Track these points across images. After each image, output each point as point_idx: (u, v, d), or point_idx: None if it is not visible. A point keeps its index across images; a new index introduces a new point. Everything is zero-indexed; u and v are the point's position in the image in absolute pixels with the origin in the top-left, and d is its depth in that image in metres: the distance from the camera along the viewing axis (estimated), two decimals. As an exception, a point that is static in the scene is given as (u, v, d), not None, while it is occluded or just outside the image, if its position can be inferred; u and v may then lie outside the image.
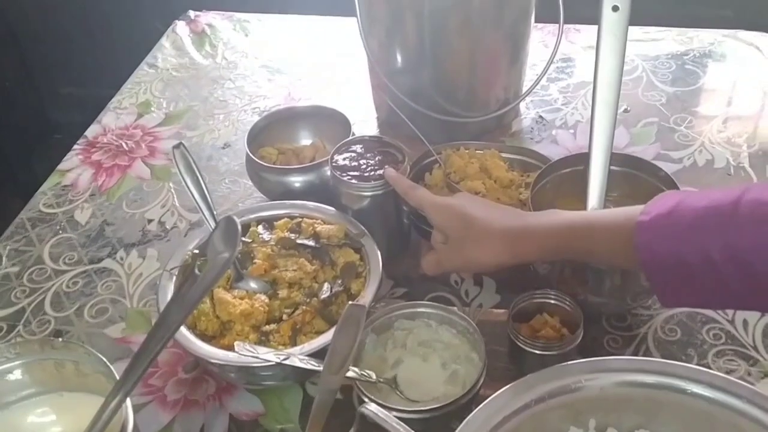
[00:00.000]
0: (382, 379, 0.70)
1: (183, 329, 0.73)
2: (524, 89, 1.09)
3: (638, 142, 1.06)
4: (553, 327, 0.73)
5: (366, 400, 0.67)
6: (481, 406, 0.62)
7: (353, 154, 0.87)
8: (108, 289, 0.90)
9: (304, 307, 0.76)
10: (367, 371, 0.69)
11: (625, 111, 1.11)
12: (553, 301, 0.75)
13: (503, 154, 0.95)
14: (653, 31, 1.28)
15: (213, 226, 0.81)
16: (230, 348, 0.71)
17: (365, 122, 1.12)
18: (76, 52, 2.03)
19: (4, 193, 1.88)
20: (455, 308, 0.79)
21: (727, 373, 0.71)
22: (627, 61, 0.83)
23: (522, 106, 1.14)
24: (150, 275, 0.91)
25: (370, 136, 0.90)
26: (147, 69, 1.30)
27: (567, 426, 0.63)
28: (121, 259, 0.94)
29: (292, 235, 0.82)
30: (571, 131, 1.09)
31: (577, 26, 1.28)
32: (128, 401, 0.58)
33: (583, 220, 0.67)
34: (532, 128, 1.10)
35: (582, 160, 0.80)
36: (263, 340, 0.74)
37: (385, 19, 1.00)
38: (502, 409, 0.61)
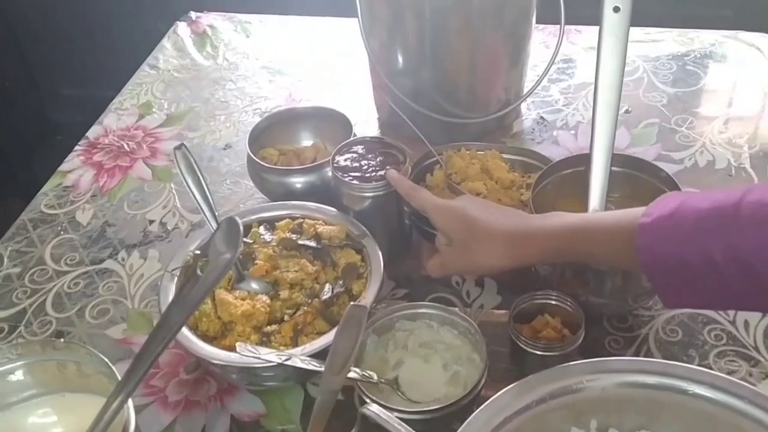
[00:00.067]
0: (383, 380, 0.70)
1: (184, 330, 0.73)
2: (525, 90, 1.09)
3: (639, 143, 1.06)
4: (555, 328, 0.73)
5: (367, 400, 0.67)
6: (482, 407, 0.62)
7: (354, 155, 0.87)
8: (109, 290, 0.90)
9: (305, 308, 0.76)
10: (369, 372, 0.69)
11: (626, 112, 1.11)
12: (554, 302, 0.75)
13: (504, 155, 0.95)
14: (654, 32, 1.28)
15: (214, 227, 0.81)
16: (232, 349, 0.71)
17: (366, 123, 1.13)
18: (77, 52, 2.03)
19: (4, 194, 1.88)
20: (456, 309, 0.79)
21: (729, 373, 0.71)
22: (628, 62, 0.83)
23: (523, 106, 1.14)
24: (151, 276, 0.91)
25: (371, 137, 0.90)
26: (148, 70, 1.30)
27: (568, 427, 0.63)
28: (123, 260, 0.94)
29: (294, 236, 0.82)
30: (572, 132, 1.09)
31: (578, 27, 1.28)
32: (130, 402, 0.58)
33: (584, 223, 0.67)
34: (533, 129, 1.10)
35: (583, 161, 0.80)
36: (265, 340, 0.74)
37: (386, 20, 1.00)
38: (503, 410, 0.61)
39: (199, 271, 0.56)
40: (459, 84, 1.03)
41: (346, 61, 1.26)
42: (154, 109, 1.21)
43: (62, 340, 0.74)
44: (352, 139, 0.90)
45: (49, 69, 2.10)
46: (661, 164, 0.85)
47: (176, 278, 0.79)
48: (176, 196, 1.03)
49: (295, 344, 0.74)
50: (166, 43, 1.36)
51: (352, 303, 0.71)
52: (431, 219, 0.76)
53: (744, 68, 1.19)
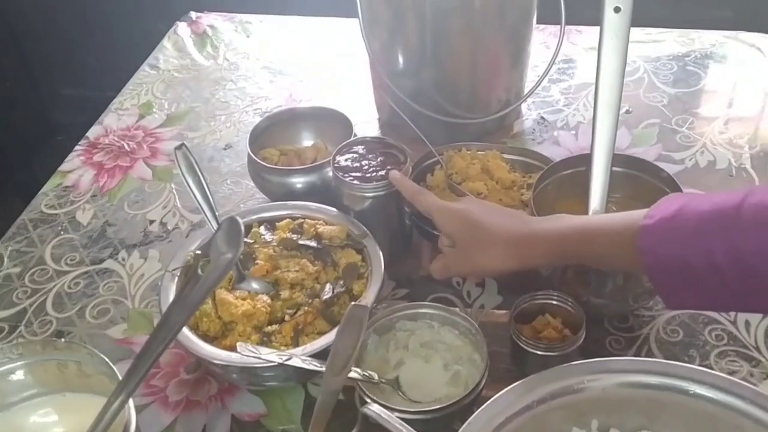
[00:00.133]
0: (384, 380, 0.70)
1: (185, 330, 0.73)
2: (526, 90, 1.09)
3: (640, 143, 1.06)
4: (555, 328, 0.73)
5: (368, 400, 0.67)
6: (483, 407, 0.62)
7: (355, 155, 0.87)
8: (110, 290, 0.90)
9: (306, 308, 0.76)
10: (370, 372, 0.69)
11: (627, 112, 1.11)
12: (555, 302, 0.75)
13: (505, 155, 0.95)
14: (655, 32, 1.28)
15: (215, 227, 0.81)
16: (232, 349, 0.71)
17: (367, 123, 1.13)
18: (78, 53, 2.03)
19: (4, 194, 1.88)
20: (457, 309, 0.79)
21: (730, 374, 0.71)
22: (628, 63, 0.83)
23: (524, 107, 1.14)
24: (151, 276, 0.91)
25: (371, 137, 0.90)
26: (148, 70, 1.30)
27: (569, 427, 0.63)
28: (123, 259, 0.94)
29: (294, 236, 0.82)
30: (573, 132, 1.09)
31: (579, 27, 1.28)
32: (131, 402, 0.58)
33: (587, 225, 0.67)
34: (533, 129, 1.10)
35: (584, 161, 0.80)
36: (265, 340, 0.74)
37: (386, 20, 1.00)
38: (504, 410, 0.61)
39: (200, 271, 0.56)
40: (460, 84, 1.03)
41: (347, 61, 1.26)
42: (154, 109, 1.21)
43: (63, 339, 0.74)
44: (352, 139, 0.90)
45: (49, 69, 2.10)
46: (661, 164, 0.85)
47: (177, 278, 0.79)
48: (176, 196, 1.03)
49: (296, 344, 0.74)
50: (166, 43, 1.36)
51: (352, 303, 0.71)
52: (434, 221, 0.76)
53: (744, 69, 1.19)
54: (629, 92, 1.14)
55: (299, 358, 0.69)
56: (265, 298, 0.77)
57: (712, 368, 0.75)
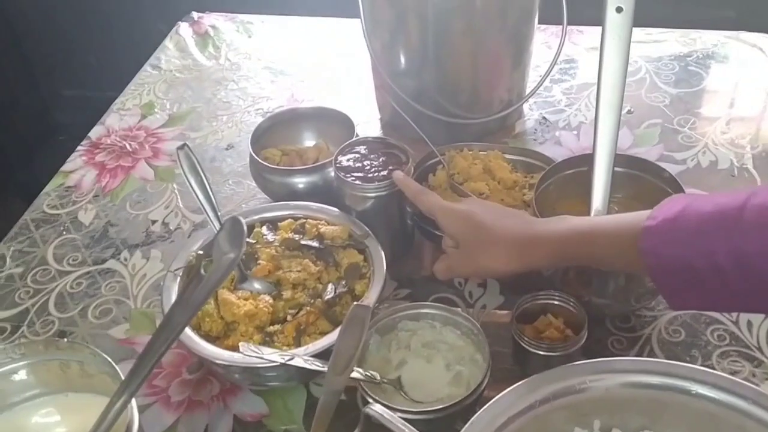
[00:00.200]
0: (386, 380, 0.70)
1: (187, 330, 0.73)
2: (527, 91, 1.09)
3: (642, 144, 1.06)
4: (557, 328, 0.73)
5: (370, 400, 0.67)
6: (485, 407, 0.62)
7: (357, 155, 0.87)
8: (112, 290, 0.90)
9: (308, 308, 0.76)
10: (372, 372, 0.69)
11: (629, 112, 1.11)
12: (557, 303, 0.75)
13: (507, 156, 0.95)
14: (656, 32, 1.28)
15: (217, 227, 0.81)
16: (235, 349, 0.71)
17: (368, 123, 1.13)
18: (79, 53, 2.04)
19: (5, 194, 1.88)
20: (459, 309, 0.79)
21: (732, 374, 0.71)
22: (630, 63, 0.83)
23: (525, 107, 1.14)
24: (154, 276, 0.91)
25: (373, 138, 0.90)
26: (150, 70, 1.30)
27: (571, 427, 0.63)
28: (125, 260, 0.94)
29: (296, 236, 0.82)
30: (575, 132, 1.09)
31: (581, 27, 1.28)
32: (133, 402, 0.58)
33: (590, 227, 0.67)
34: (535, 129, 1.10)
35: (586, 161, 0.80)
36: (267, 340, 0.74)
37: (388, 21, 1.00)
38: (506, 410, 0.61)
39: (202, 271, 0.56)
40: (461, 84, 1.03)
41: (348, 62, 1.26)
42: (156, 110, 1.21)
43: (65, 339, 0.74)
44: (354, 139, 0.90)
45: (51, 70, 2.10)
46: (663, 164, 0.85)
47: (179, 278, 0.79)
48: (178, 197, 1.03)
49: (298, 344, 0.74)
50: (168, 43, 1.37)
51: (355, 303, 0.71)
52: (438, 222, 0.76)
53: (746, 69, 1.19)
54: (631, 92, 1.14)
55: (301, 358, 0.69)
56: (268, 298, 0.77)
57: (714, 368, 0.75)
